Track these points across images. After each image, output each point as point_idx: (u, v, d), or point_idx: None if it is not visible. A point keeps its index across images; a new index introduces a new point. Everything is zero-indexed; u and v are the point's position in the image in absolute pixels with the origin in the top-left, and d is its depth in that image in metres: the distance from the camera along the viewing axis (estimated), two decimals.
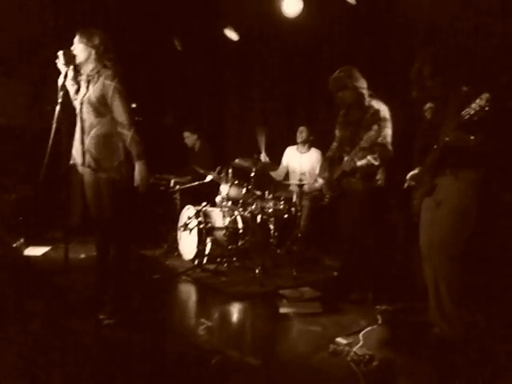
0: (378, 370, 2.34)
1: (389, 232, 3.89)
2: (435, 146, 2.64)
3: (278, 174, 5.21)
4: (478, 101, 2.38)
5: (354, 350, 2.49)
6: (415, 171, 2.87)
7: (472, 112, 2.39)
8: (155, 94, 6.47)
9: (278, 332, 2.95)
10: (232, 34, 5.70)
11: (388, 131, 3.38)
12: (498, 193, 3.34)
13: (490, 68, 3.47)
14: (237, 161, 4.56)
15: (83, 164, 2.93)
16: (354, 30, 4.69)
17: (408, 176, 2.90)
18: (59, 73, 2.81)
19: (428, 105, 2.89)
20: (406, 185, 2.93)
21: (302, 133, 5.05)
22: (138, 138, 2.89)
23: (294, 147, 5.20)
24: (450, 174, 2.64)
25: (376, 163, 3.32)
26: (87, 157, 2.91)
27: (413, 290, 3.37)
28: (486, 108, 2.36)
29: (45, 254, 4.78)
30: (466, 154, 2.57)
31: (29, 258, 4.52)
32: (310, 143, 5.07)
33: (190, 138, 5.74)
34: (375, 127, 3.18)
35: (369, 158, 3.31)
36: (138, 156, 2.90)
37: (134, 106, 5.90)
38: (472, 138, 2.50)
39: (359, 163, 3.34)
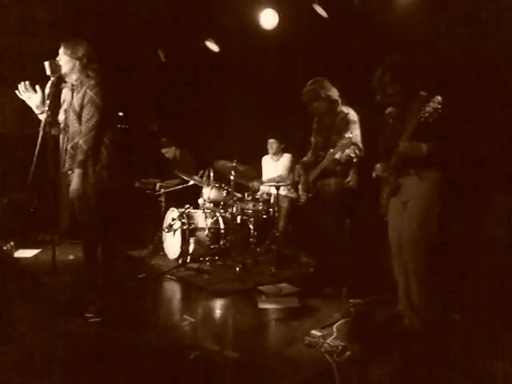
0: (351, 360, 2.43)
1: (361, 230, 4.03)
2: (397, 149, 2.74)
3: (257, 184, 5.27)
4: (431, 103, 2.50)
5: (328, 341, 2.59)
6: (382, 163, 2.96)
7: (427, 114, 2.51)
8: (141, 102, 6.66)
9: (257, 326, 3.05)
10: (213, 46, 5.84)
11: (357, 132, 3.54)
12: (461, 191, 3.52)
13: (450, 74, 3.64)
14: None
15: (68, 170, 3.01)
16: (325, 41, 4.83)
17: (375, 167, 2.99)
18: (46, 82, 2.91)
19: (389, 109, 3.01)
20: (374, 174, 3.02)
21: (272, 145, 5.17)
22: (86, 147, 2.87)
23: (269, 156, 5.34)
24: (414, 174, 2.75)
25: (353, 155, 3.37)
26: (70, 163, 2.98)
27: (383, 284, 3.41)
28: (439, 110, 2.49)
29: (35, 256, 4.85)
30: (424, 157, 2.68)
31: (19, 260, 4.61)
32: (282, 150, 5.22)
33: (169, 152, 5.77)
34: (348, 135, 3.29)
35: (347, 151, 3.35)
36: (77, 164, 2.89)
37: (120, 114, 6.06)
38: (424, 147, 2.63)
39: (339, 156, 3.39)
